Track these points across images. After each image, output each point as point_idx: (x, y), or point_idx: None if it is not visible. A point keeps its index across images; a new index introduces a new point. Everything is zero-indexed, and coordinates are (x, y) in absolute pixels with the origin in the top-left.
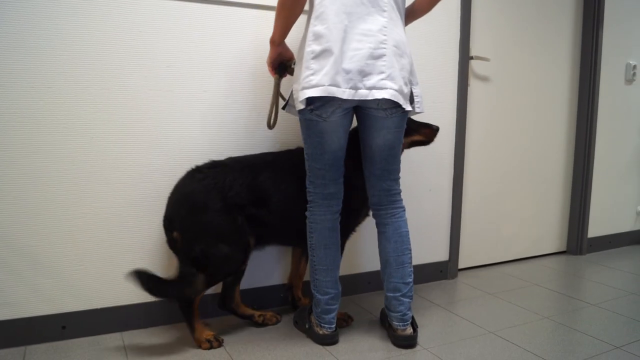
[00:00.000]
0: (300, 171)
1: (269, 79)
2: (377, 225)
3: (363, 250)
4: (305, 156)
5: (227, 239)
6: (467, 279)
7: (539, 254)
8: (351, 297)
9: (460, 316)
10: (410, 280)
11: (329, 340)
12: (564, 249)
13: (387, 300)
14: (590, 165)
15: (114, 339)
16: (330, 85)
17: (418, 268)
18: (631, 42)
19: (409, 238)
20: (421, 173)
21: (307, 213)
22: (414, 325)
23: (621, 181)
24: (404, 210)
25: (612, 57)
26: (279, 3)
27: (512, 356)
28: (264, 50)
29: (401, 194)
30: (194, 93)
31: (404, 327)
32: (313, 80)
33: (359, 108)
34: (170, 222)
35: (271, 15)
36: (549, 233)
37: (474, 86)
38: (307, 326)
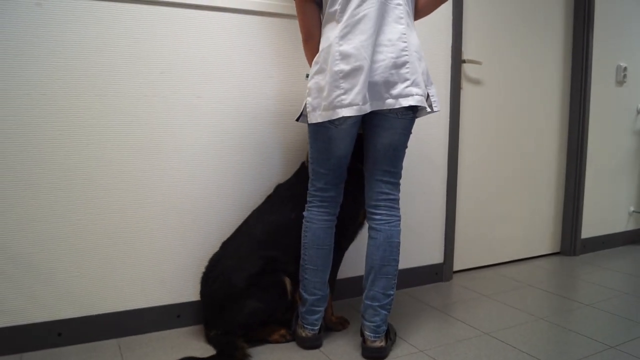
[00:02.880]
0: (285, 208)
1: (262, 84)
2: (370, 229)
3: (361, 253)
4: (309, 159)
5: (259, 299)
6: (462, 281)
7: (533, 255)
8: (348, 301)
9: (455, 318)
10: (392, 293)
11: (309, 344)
12: (557, 250)
13: (364, 308)
14: (582, 166)
15: (110, 346)
16: (363, 104)
17: (413, 271)
18: (621, 44)
19: (399, 250)
20: (415, 176)
21: (304, 212)
22: (388, 337)
23: (613, 182)
24: (400, 220)
25: (603, 59)
26: (305, 51)
27: (507, 357)
28: (257, 56)
29: (399, 201)
30: (188, 99)
31: (375, 339)
32: (346, 100)
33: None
34: (208, 323)
35: (265, 21)
36: (542, 234)
37: (466, 89)
38: (292, 329)
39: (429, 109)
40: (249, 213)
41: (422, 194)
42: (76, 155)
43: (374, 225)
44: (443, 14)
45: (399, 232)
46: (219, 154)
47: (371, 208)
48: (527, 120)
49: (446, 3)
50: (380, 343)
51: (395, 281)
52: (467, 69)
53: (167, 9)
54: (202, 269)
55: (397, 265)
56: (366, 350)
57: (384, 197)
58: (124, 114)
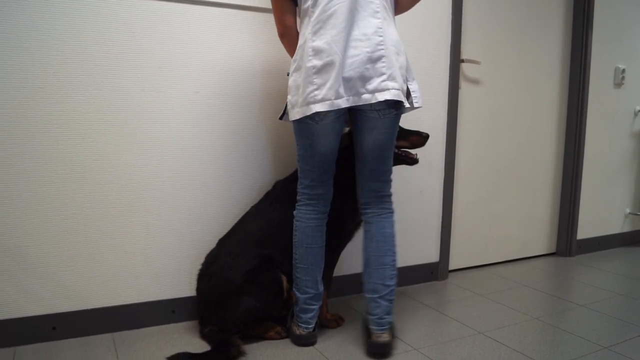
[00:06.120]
0: (283, 205)
1: (259, 81)
2: (364, 225)
3: (355, 251)
4: (296, 157)
5: (255, 297)
6: (458, 280)
7: (529, 256)
8: (342, 299)
9: (450, 317)
10: (391, 283)
11: (304, 341)
12: (553, 250)
13: (366, 302)
14: (579, 167)
15: (104, 340)
16: (336, 98)
17: (409, 269)
18: (620, 46)
19: (393, 240)
20: (412, 175)
21: (294, 212)
22: (393, 332)
23: (610, 183)
24: (392, 213)
25: (601, 61)
26: (279, 38)
27: (501, 356)
28: (255, 52)
29: (391, 197)
30: (186, 94)
31: (380, 332)
32: (318, 95)
33: (352, 108)
34: (204, 319)
35: (263, 17)
36: (538, 235)
37: (464, 89)
38: (287, 326)
39: (407, 105)
40: (245, 210)
41: (419, 192)
42: (72, 149)
43: (365, 219)
44: (442, 14)
45: (391, 223)
46: (216, 149)
47: (362, 205)
48: (524, 120)
49: (444, 2)
50: (385, 337)
51: (394, 272)
52: (465, 68)
53: (166, 3)
54: (198, 265)
55: (394, 257)
56: (370, 346)
57: (374, 194)
58: (121, 108)
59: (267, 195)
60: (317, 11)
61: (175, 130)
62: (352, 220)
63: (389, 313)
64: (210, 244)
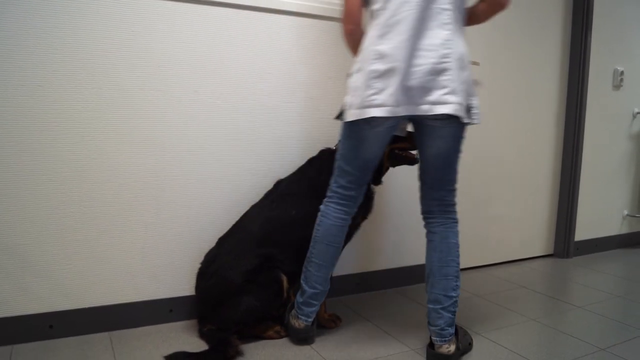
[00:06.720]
0: (285, 204)
1: (259, 80)
2: (427, 234)
3: (352, 251)
4: (337, 156)
5: (255, 296)
6: None
7: (527, 257)
8: (340, 299)
9: None
10: (455, 294)
11: (302, 335)
12: (551, 252)
13: (428, 312)
14: (577, 169)
15: (102, 339)
16: (394, 106)
17: (406, 269)
18: (619, 47)
19: (457, 250)
20: (411, 175)
21: (321, 206)
22: (459, 344)
23: (608, 185)
24: (456, 222)
25: (600, 63)
26: (344, 36)
27: (498, 357)
28: (256, 52)
29: (456, 206)
30: (185, 93)
31: (441, 344)
32: (377, 100)
33: (414, 117)
34: (203, 318)
35: (265, 17)
36: (536, 236)
37: None
38: (285, 321)
39: (467, 120)
40: (244, 209)
41: (417, 193)
42: (71, 148)
43: (429, 229)
44: None
45: (455, 233)
46: (215, 148)
47: (425, 214)
48: (523, 121)
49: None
50: (447, 348)
51: (457, 283)
52: None
53: (166, 3)
54: (196, 264)
55: (458, 267)
56: (430, 356)
57: (437, 203)
58: (120, 107)
59: (269, 194)
60: (386, 15)
61: (174, 129)
62: (353, 221)
63: (451, 325)
64: (208, 243)
